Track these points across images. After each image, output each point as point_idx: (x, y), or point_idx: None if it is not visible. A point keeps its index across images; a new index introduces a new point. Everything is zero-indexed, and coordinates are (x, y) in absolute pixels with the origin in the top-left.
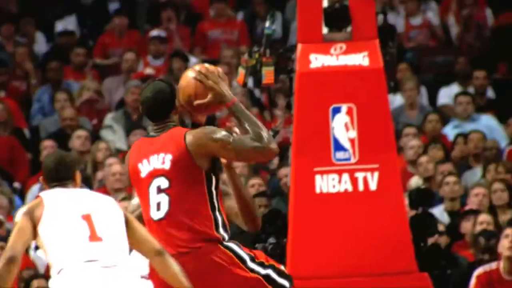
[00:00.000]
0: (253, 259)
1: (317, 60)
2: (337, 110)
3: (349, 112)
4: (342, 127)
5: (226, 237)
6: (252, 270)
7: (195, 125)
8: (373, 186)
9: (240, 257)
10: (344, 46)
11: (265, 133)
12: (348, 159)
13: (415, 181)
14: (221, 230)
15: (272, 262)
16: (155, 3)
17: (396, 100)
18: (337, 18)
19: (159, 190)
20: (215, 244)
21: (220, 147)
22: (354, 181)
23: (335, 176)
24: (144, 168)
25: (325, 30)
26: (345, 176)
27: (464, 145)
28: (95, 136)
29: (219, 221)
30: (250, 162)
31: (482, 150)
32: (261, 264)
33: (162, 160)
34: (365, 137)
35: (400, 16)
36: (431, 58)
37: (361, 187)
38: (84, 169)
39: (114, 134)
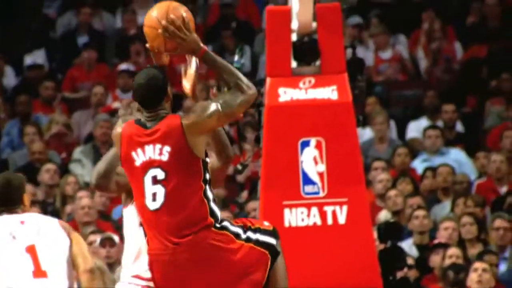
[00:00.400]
0: (243, 229)
1: (286, 94)
2: (306, 144)
3: (318, 145)
4: (311, 160)
5: (219, 217)
6: (247, 240)
7: (162, 67)
8: (342, 219)
9: (234, 232)
10: (313, 79)
11: (241, 80)
12: (317, 192)
13: (384, 215)
14: (215, 213)
15: (256, 223)
16: (124, 36)
17: (365, 134)
18: (306, 52)
19: (155, 181)
20: (210, 229)
21: (215, 120)
22: (323, 214)
23: (304, 209)
24: (139, 158)
25: (294, 63)
26: (314, 210)
27: (433, 178)
28: (64, 170)
29: (213, 207)
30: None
31: (451, 183)
32: (251, 230)
33: (159, 152)
34: (334, 170)
35: (370, 49)
36: (400, 91)
37: (330, 220)
38: (53, 203)
39: (83, 168)
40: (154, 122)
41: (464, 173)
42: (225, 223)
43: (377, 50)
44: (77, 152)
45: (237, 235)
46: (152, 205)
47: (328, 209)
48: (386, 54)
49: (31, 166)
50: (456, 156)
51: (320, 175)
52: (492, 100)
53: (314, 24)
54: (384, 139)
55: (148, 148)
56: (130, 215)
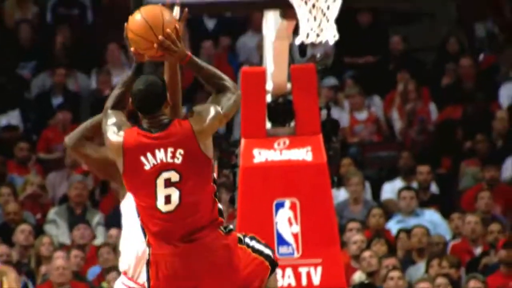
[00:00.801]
0: (244, 236)
1: (261, 155)
2: (280, 205)
3: (293, 207)
4: (285, 221)
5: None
6: (247, 245)
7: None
8: (316, 281)
9: (238, 236)
10: (287, 141)
11: (228, 82)
12: (292, 253)
13: (358, 276)
14: (223, 213)
15: (251, 234)
16: (99, 97)
17: (340, 194)
18: (281, 113)
19: (169, 184)
20: (220, 229)
21: (218, 122)
22: (297, 276)
23: (278, 271)
24: (149, 162)
25: (268, 125)
26: (288, 271)
27: (407, 239)
28: (38, 231)
29: (221, 208)
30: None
31: (426, 244)
32: (247, 236)
33: (172, 155)
34: (308, 232)
35: (345, 110)
36: (375, 153)
37: (304, 281)
38: (28, 263)
39: (57, 229)
40: (160, 128)
41: (439, 234)
42: (230, 226)
43: (352, 111)
44: (52, 213)
45: (240, 240)
46: (165, 208)
47: (303, 270)
48: (362, 115)
49: (6, 227)
50: (431, 217)
51: (295, 236)
52: (467, 161)
53: (289, 85)
54: (359, 200)
55: (159, 152)
56: (128, 208)
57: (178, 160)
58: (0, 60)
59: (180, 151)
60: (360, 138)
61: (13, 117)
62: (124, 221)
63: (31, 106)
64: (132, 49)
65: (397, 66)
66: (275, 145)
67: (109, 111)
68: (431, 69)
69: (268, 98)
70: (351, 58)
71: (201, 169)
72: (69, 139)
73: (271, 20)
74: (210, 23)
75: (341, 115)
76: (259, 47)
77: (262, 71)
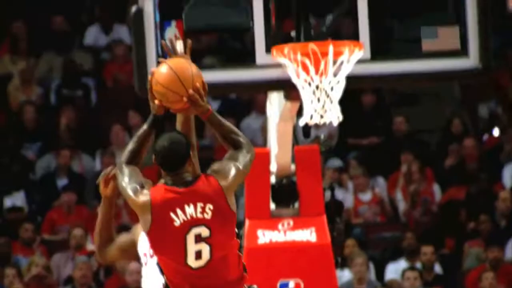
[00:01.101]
0: None
1: (265, 236)
2: (285, 286)
3: (297, 287)
4: None
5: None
6: None
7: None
8: None
9: None
10: (291, 222)
11: (243, 138)
12: None
13: None
14: (245, 268)
15: None
16: None
17: (344, 275)
18: (285, 194)
19: (199, 239)
20: (244, 284)
21: (240, 179)
22: None
23: None
24: (179, 218)
25: (272, 206)
26: None
27: None
28: None
29: (244, 262)
30: None
31: None
32: None
33: (202, 210)
34: None
35: (349, 191)
36: (379, 233)
37: None
38: None
39: None
40: (185, 184)
41: None
42: (254, 285)
43: (356, 192)
44: None
45: None
46: (196, 263)
47: None
48: (366, 196)
49: None
50: None
51: None
52: (471, 242)
53: (293, 167)
54: (363, 280)
55: (188, 208)
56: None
57: (208, 215)
58: (5, 141)
59: (209, 206)
60: (364, 219)
61: (18, 198)
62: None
63: (36, 188)
64: (156, 101)
65: (400, 147)
66: (279, 226)
67: (125, 167)
68: (435, 150)
69: (272, 179)
70: (355, 139)
71: (228, 223)
72: (99, 257)
73: (275, 102)
74: (214, 104)
75: (345, 196)
76: (263, 129)
77: (266, 152)
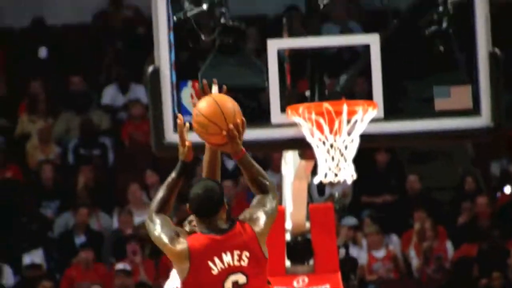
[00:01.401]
0: None
1: None
2: None
3: None
4: None
5: None
6: None
7: (184, 164)
8: None
9: None
10: (306, 279)
11: (269, 182)
12: None
13: None
14: None
15: None
16: (120, 236)
17: None
18: (300, 251)
19: (237, 286)
20: None
21: (271, 222)
22: None
23: None
24: (216, 266)
25: (288, 263)
26: None
27: None
28: None
29: None
30: None
31: None
32: None
33: (238, 257)
34: None
35: (363, 249)
36: None
37: None
38: None
39: None
40: (220, 231)
41: None
42: None
43: (370, 249)
44: None
45: None
46: None
47: None
48: (379, 253)
49: None
50: None
51: None
52: None
53: (308, 224)
54: None
55: (226, 256)
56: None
57: (245, 262)
58: (24, 200)
59: (246, 253)
60: (378, 275)
61: (36, 256)
62: None
63: (54, 245)
64: (196, 131)
65: (414, 205)
66: (295, 283)
67: (155, 217)
68: (448, 208)
69: (288, 237)
70: (369, 197)
71: (262, 269)
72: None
73: (290, 160)
74: (229, 164)
75: (360, 253)
76: (278, 187)
77: (281, 210)
